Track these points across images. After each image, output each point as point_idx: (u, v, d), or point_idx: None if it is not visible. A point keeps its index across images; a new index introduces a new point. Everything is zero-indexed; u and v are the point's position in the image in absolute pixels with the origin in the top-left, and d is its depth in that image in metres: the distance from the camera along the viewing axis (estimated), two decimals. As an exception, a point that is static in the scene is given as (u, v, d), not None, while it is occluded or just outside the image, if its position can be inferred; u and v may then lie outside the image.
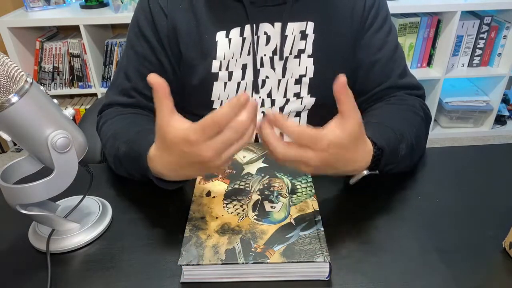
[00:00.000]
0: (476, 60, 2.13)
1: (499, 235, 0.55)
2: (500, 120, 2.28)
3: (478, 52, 2.10)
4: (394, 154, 0.62)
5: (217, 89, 0.76)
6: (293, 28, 0.74)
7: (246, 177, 0.65)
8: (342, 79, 0.50)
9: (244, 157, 0.70)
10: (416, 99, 0.78)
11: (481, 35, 2.06)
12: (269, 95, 0.78)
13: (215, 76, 0.75)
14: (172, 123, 0.51)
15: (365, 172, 0.60)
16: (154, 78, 0.49)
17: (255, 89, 0.77)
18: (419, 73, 2.09)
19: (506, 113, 2.31)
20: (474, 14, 2.06)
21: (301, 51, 0.75)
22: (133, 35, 0.77)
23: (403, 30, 2.00)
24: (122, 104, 0.78)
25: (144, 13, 0.75)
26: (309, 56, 0.75)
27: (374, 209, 0.62)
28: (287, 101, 0.78)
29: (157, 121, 0.52)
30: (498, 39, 2.07)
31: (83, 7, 1.95)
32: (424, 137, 0.72)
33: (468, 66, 2.14)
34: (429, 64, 2.13)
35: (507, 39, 2.05)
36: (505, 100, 2.31)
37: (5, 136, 0.51)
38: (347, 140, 0.53)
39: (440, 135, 2.26)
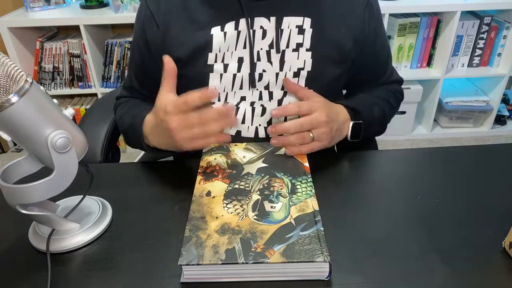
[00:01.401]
0: (476, 60, 2.13)
1: (499, 235, 0.55)
2: (500, 120, 2.28)
3: (478, 52, 2.10)
4: (367, 110, 0.79)
5: (213, 81, 0.77)
6: (289, 22, 0.75)
7: (246, 177, 0.65)
8: (287, 80, 0.76)
9: (244, 157, 0.70)
10: (400, 87, 0.93)
11: (481, 35, 2.06)
12: (267, 87, 0.78)
13: (210, 68, 0.76)
14: (165, 94, 0.66)
15: (351, 123, 0.76)
16: (167, 61, 0.66)
17: (252, 83, 0.77)
18: (419, 73, 2.09)
19: (506, 113, 2.31)
20: (474, 14, 2.06)
21: (299, 45, 0.76)
22: (132, 39, 0.85)
23: (403, 30, 2.00)
24: (127, 96, 0.90)
25: (138, 20, 0.81)
26: (307, 50, 0.76)
27: (374, 209, 0.62)
28: (285, 93, 0.79)
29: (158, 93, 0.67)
30: (498, 39, 2.07)
31: (83, 7, 1.95)
32: (396, 107, 0.90)
33: (468, 66, 2.14)
34: (429, 64, 2.13)
35: (507, 39, 2.05)
36: (505, 100, 2.31)
37: (5, 136, 0.51)
38: (322, 98, 0.74)
39: (440, 135, 2.26)
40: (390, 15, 1.92)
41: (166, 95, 0.65)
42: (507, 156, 0.75)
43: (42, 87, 0.51)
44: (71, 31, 2.07)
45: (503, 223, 0.57)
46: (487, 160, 0.75)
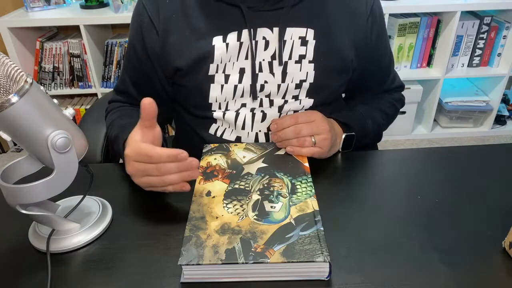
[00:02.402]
0: (476, 60, 2.13)
1: (499, 235, 0.55)
2: (500, 120, 2.28)
3: (478, 52, 2.10)
4: (361, 122, 0.81)
5: (214, 91, 0.76)
6: (292, 33, 0.73)
7: (246, 177, 0.65)
8: (274, 122, 0.73)
9: (244, 157, 0.70)
10: (400, 94, 0.93)
11: (481, 35, 2.06)
12: (268, 96, 0.78)
13: (211, 79, 0.75)
14: (135, 134, 0.61)
15: (343, 135, 0.77)
16: (147, 103, 0.58)
17: (253, 94, 0.76)
18: (419, 73, 2.09)
19: (506, 113, 2.31)
20: (474, 14, 2.06)
21: (302, 57, 0.75)
22: (128, 42, 0.82)
23: (403, 30, 2.00)
24: (121, 101, 0.86)
25: (135, 25, 0.78)
26: (310, 62, 0.75)
27: (374, 209, 0.62)
28: (286, 102, 0.78)
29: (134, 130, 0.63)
30: (498, 39, 2.07)
31: (83, 7, 1.95)
32: (393, 116, 0.91)
33: (468, 66, 2.14)
34: (429, 64, 2.13)
35: (507, 39, 2.05)
36: (505, 100, 2.31)
37: (5, 136, 0.51)
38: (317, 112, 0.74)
39: (440, 135, 2.26)
40: (390, 15, 1.92)
41: (135, 136, 0.61)
42: (507, 156, 0.75)
43: (42, 87, 0.51)
44: (71, 31, 2.07)
45: (503, 223, 0.57)
46: (487, 160, 0.74)
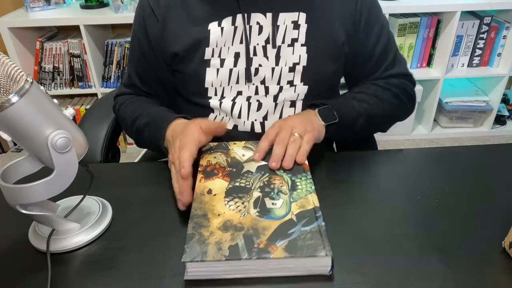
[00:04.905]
0: (476, 60, 2.13)
1: (499, 235, 0.55)
2: (500, 120, 2.28)
3: (478, 52, 2.10)
4: (348, 108, 0.77)
5: (210, 75, 0.78)
6: (285, 18, 0.76)
7: (246, 175, 0.65)
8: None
9: (243, 155, 0.70)
10: (401, 82, 0.84)
11: (481, 35, 2.06)
12: (263, 82, 0.79)
13: (207, 63, 0.77)
14: (196, 132, 0.66)
15: (324, 124, 0.73)
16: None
17: (248, 77, 0.78)
18: (419, 73, 2.09)
19: (506, 113, 2.31)
20: (474, 14, 2.06)
21: (294, 40, 0.77)
22: (132, 35, 0.85)
23: (403, 30, 2.00)
24: (129, 93, 0.89)
25: (138, 16, 0.82)
26: (302, 45, 0.77)
27: (374, 209, 0.62)
28: (281, 88, 0.79)
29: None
30: (498, 39, 2.07)
31: (83, 7, 1.95)
32: (389, 100, 0.82)
33: (468, 66, 2.14)
34: (429, 64, 2.13)
35: (507, 39, 2.05)
36: (505, 100, 2.31)
37: (5, 136, 0.51)
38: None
39: (440, 135, 2.26)
40: (390, 15, 1.92)
41: (197, 135, 0.66)
42: (507, 156, 0.75)
43: (42, 87, 0.51)
44: (71, 31, 2.07)
45: (503, 223, 0.57)
46: (487, 160, 0.75)
